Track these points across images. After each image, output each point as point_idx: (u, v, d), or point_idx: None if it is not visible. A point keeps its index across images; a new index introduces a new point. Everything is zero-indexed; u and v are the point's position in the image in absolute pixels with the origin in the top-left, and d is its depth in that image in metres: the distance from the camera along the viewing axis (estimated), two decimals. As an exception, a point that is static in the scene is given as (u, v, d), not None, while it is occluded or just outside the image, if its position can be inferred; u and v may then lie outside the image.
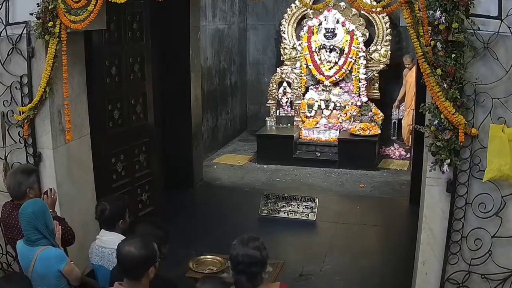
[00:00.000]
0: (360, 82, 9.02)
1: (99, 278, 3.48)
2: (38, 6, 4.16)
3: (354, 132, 8.63)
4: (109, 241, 3.40)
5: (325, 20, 9.04)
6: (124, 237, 3.18)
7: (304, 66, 9.26)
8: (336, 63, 9.06)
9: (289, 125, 9.19)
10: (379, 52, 9.02)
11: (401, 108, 9.27)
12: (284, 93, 9.30)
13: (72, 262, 3.45)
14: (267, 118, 9.40)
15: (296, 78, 9.27)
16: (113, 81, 5.27)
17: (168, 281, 3.17)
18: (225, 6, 9.94)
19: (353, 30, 8.90)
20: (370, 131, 8.62)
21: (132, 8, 5.35)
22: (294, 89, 9.28)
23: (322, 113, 9.18)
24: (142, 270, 2.74)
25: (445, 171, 3.62)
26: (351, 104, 9.05)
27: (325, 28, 9.03)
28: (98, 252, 3.45)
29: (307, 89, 9.38)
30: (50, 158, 4.42)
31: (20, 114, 4.35)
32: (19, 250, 3.45)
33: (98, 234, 3.58)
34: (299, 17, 9.48)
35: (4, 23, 4.29)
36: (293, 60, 9.49)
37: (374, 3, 3.83)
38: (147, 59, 5.71)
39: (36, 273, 3.34)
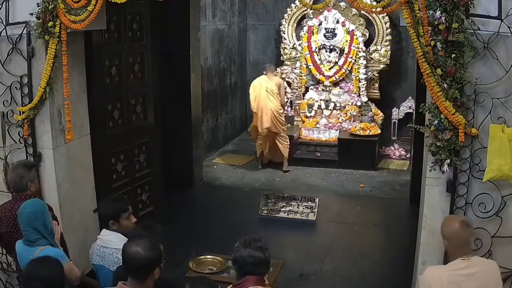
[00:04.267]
0: (360, 82, 9.00)
1: (100, 278, 3.47)
2: (38, 6, 4.15)
3: (354, 132, 8.63)
4: (110, 241, 3.40)
5: (325, 20, 9.03)
6: (125, 238, 3.17)
7: (304, 66, 9.25)
8: (336, 63, 9.05)
9: (289, 125, 9.18)
10: (379, 52, 9.01)
11: (401, 108, 9.24)
12: (284, 93, 9.28)
13: (71, 262, 3.45)
14: (267, 118, 9.38)
15: (296, 78, 9.26)
16: (113, 81, 5.27)
17: (171, 283, 3.16)
18: (225, 6, 9.94)
19: (353, 30, 8.89)
20: (370, 131, 8.62)
21: (132, 8, 5.35)
22: (294, 89, 9.27)
23: (322, 113, 9.17)
24: (148, 271, 2.73)
25: (445, 171, 3.62)
26: (351, 104, 9.04)
27: (325, 28, 9.02)
28: (99, 252, 3.44)
29: (307, 89, 9.37)
30: (50, 158, 4.42)
31: (20, 114, 4.35)
32: (18, 250, 3.45)
33: (99, 234, 3.58)
34: (299, 17, 9.47)
35: (4, 23, 4.29)
36: (293, 60, 9.48)
37: (374, 3, 3.81)
38: (147, 59, 5.71)
39: (36, 273, 3.34)
